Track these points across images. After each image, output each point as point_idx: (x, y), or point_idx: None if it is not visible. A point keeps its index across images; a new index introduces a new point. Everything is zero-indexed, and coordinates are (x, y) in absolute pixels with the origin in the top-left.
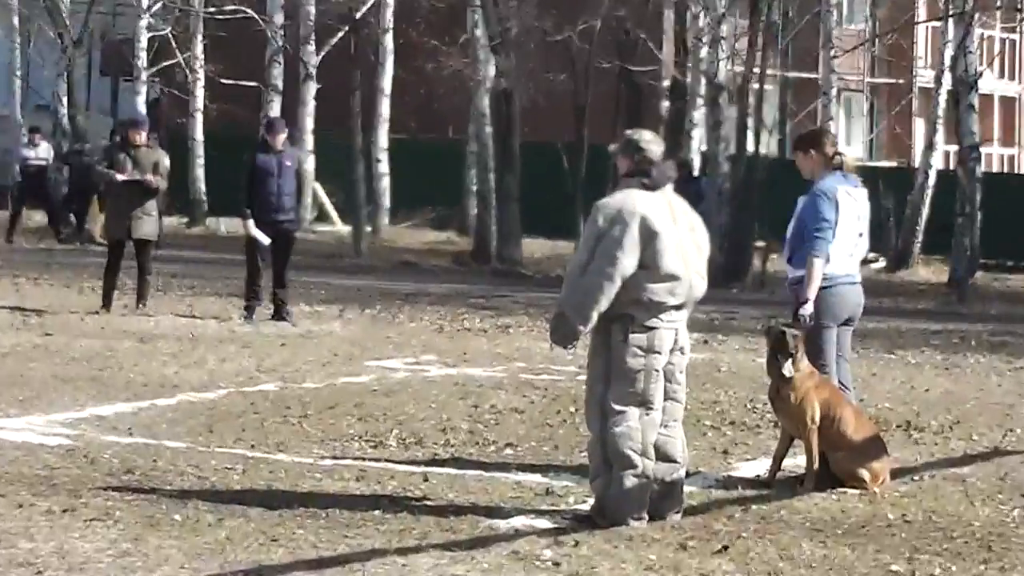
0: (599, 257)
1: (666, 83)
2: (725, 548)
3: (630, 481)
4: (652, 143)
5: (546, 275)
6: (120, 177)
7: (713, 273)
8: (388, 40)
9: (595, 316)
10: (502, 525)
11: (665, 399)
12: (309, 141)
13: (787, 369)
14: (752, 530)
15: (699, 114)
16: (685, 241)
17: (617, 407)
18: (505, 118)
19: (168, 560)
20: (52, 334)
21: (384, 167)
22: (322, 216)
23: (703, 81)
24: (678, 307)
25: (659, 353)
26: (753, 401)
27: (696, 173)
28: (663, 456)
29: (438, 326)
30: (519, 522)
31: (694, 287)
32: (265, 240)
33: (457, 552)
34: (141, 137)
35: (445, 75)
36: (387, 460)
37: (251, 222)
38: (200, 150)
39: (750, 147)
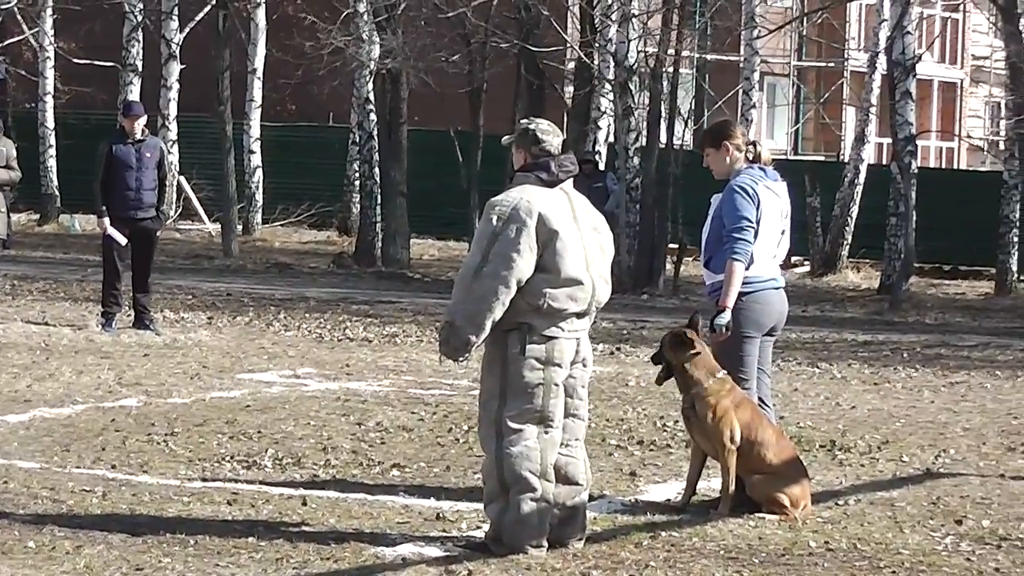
0: (493, 260)
1: (571, 66)
2: None
3: (528, 505)
4: (550, 134)
5: (436, 279)
6: None
7: (620, 277)
8: (260, 15)
9: (489, 325)
10: (388, 553)
11: (566, 416)
12: (173, 128)
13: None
14: (661, 558)
15: (607, 101)
16: (588, 242)
17: (514, 425)
18: (392, 103)
19: None
20: None
21: (257, 158)
22: (188, 213)
23: (611, 64)
24: (580, 315)
25: (559, 366)
26: (664, 419)
27: (603, 167)
28: (564, 479)
29: (317, 335)
30: (407, 550)
31: (597, 292)
32: (122, 240)
33: None
34: None
35: (325, 55)
36: (262, 482)
37: (107, 220)
38: (52, 138)
39: (663, 138)
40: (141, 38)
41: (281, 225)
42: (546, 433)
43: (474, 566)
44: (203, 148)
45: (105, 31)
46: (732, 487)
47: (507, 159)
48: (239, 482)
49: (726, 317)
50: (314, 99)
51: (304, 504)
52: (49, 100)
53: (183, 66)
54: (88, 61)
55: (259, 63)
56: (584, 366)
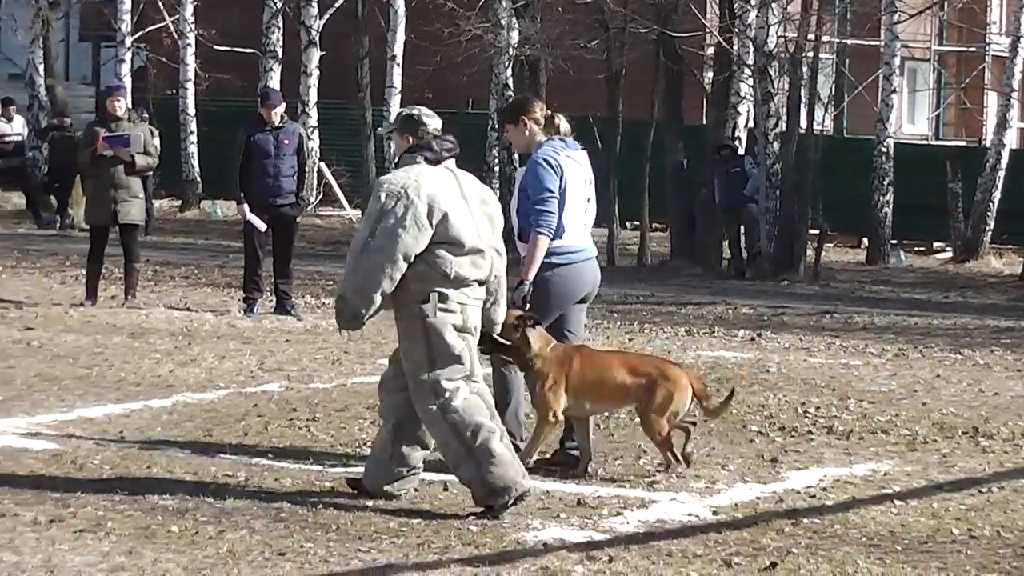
0: (380, 236)
1: (710, 51)
2: (773, 565)
3: (496, 444)
4: (431, 117)
5: None
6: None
7: (760, 264)
8: (399, 2)
9: (378, 298)
10: (529, 539)
11: None
12: (313, 115)
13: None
14: (803, 545)
15: (746, 86)
16: (477, 215)
17: (449, 385)
18: (530, 90)
19: (166, 574)
20: (34, 328)
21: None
22: (328, 199)
23: (751, 49)
24: (482, 282)
25: (471, 333)
26: (805, 405)
27: (742, 152)
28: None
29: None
30: (548, 535)
31: (494, 262)
32: (262, 226)
33: (481, 568)
34: (120, 107)
35: (463, 41)
36: None
37: (246, 206)
38: (192, 125)
39: (803, 124)
40: (281, 25)
41: None
42: (475, 384)
43: (615, 552)
44: (343, 134)
45: (245, 18)
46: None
47: (645, 144)
48: None
49: (525, 289)
50: (452, 85)
51: (446, 489)
52: (190, 87)
53: (322, 53)
54: (228, 48)
55: (398, 49)
56: (472, 334)
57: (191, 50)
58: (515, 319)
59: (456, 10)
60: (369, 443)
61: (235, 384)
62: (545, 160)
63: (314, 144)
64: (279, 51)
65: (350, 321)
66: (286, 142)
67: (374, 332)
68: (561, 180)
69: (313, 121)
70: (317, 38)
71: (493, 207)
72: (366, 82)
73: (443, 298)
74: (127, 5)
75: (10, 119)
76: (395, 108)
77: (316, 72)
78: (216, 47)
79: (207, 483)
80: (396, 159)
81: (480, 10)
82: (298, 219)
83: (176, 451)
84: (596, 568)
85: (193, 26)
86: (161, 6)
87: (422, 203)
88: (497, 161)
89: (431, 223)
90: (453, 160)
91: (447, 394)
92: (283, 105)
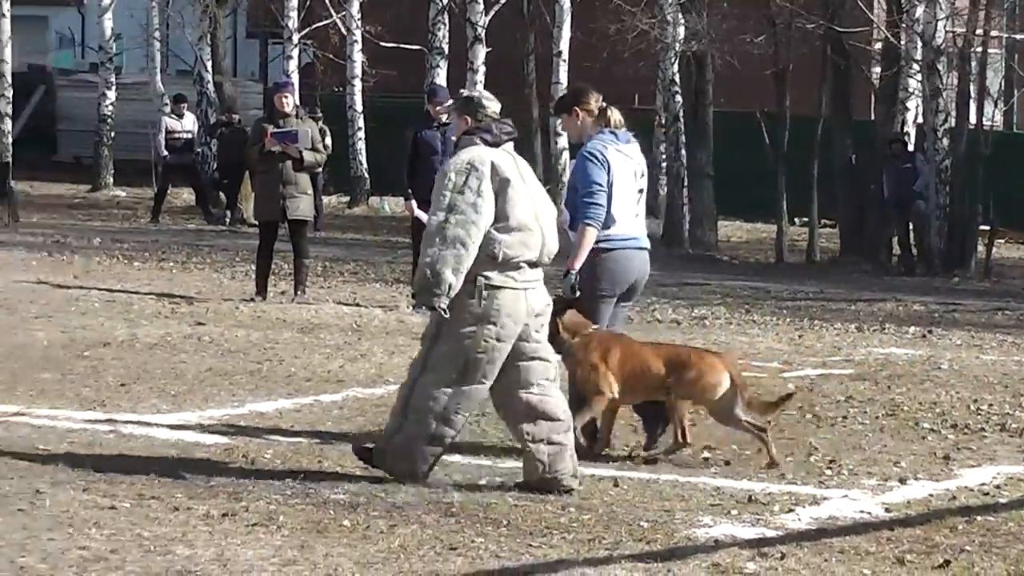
0: (457, 210)
1: (877, 46)
2: (947, 563)
3: (415, 441)
4: (490, 100)
5: (744, 261)
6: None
7: (930, 260)
8: None
9: (465, 268)
10: (700, 535)
11: (529, 359)
12: None
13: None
14: (977, 543)
15: (915, 82)
16: (536, 195)
17: (436, 364)
18: (697, 85)
19: (337, 569)
20: (205, 324)
21: (563, 140)
22: None
23: (919, 44)
24: (533, 264)
25: (493, 324)
26: (977, 402)
27: (911, 148)
28: (543, 415)
29: (625, 317)
30: (719, 531)
31: (547, 242)
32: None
33: (652, 564)
34: (288, 103)
35: (629, 37)
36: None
37: (413, 202)
38: (360, 121)
39: (972, 119)
40: (447, 21)
41: None
42: (464, 385)
43: (786, 548)
44: None
45: (411, 14)
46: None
47: (813, 140)
48: None
49: (572, 278)
50: (618, 81)
51: (616, 485)
52: (357, 83)
53: (488, 49)
54: (395, 44)
55: (564, 46)
56: (537, 316)
57: (358, 47)
58: (555, 300)
59: (622, 6)
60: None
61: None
62: (591, 154)
63: None
64: (445, 47)
65: (438, 296)
66: (452, 139)
67: None
68: (609, 173)
69: None
70: (483, 34)
71: (545, 197)
72: (532, 78)
73: (478, 283)
74: (294, 2)
75: (181, 116)
76: None
77: (482, 69)
78: (383, 43)
79: (378, 478)
80: (455, 141)
81: (646, 6)
82: None
83: (347, 445)
84: (768, 565)
85: (360, 22)
86: (328, 3)
87: (488, 172)
88: (664, 156)
89: (495, 193)
90: (511, 144)
91: (430, 372)
92: (450, 101)
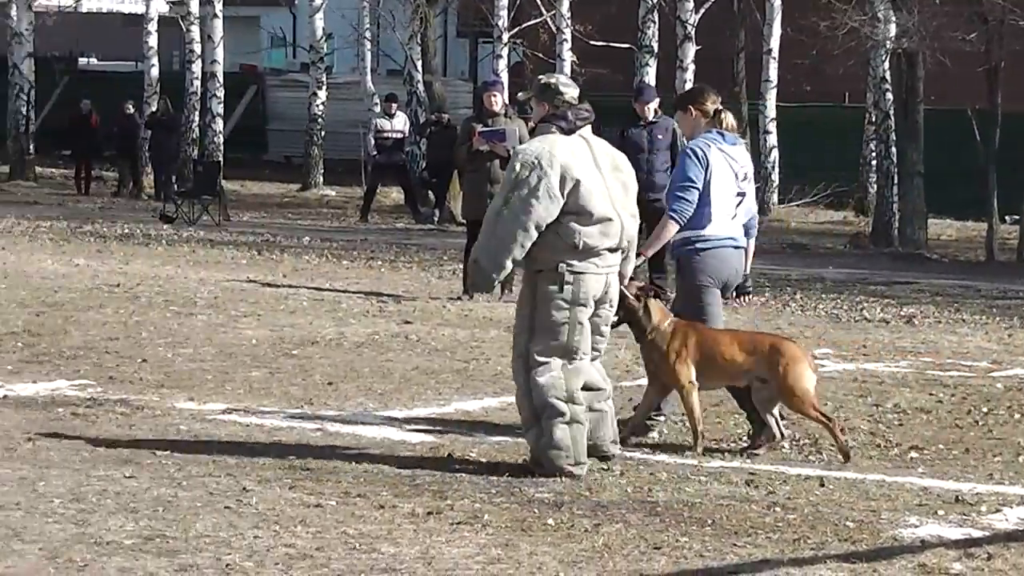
0: (514, 204)
1: None
2: None
3: (560, 430)
4: (569, 86)
5: (954, 259)
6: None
7: None
8: None
9: (509, 264)
10: (907, 535)
11: (587, 332)
12: None
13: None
14: None
15: None
16: (610, 182)
17: (540, 359)
18: (908, 83)
19: (541, 568)
20: (412, 322)
21: (773, 138)
22: None
23: None
24: (613, 249)
25: (584, 305)
26: None
27: None
28: (584, 386)
29: (833, 316)
30: (925, 532)
31: (626, 228)
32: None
33: (858, 564)
34: (497, 102)
35: (840, 35)
36: (780, 463)
37: None
38: None
39: None
40: (656, 19)
41: (797, 205)
42: (570, 364)
43: (994, 549)
44: None
45: (621, 12)
46: (698, 425)
47: None
48: (757, 462)
49: (639, 261)
50: (828, 79)
51: (822, 485)
52: None
53: (698, 47)
54: (604, 43)
55: (774, 43)
56: (610, 306)
57: (567, 45)
58: (638, 289)
59: (833, 3)
60: (744, 439)
61: (611, 378)
62: (692, 151)
63: None
64: (655, 46)
65: (479, 285)
66: (659, 137)
67: (750, 327)
68: (706, 172)
69: None
70: (693, 32)
71: (627, 174)
72: (742, 76)
73: (561, 270)
74: (504, 1)
75: (392, 115)
76: (771, 102)
77: (692, 66)
78: (592, 42)
79: (582, 476)
80: (533, 126)
81: (857, 3)
82: None
83: None
84: (974, 566)
85: (569, 21)
86: (539, 2)
87: (555, 174)
88: (875, 155)
89: (563, 193)
90: (589, 127)
91: (536, 367)
92: (656, 100)
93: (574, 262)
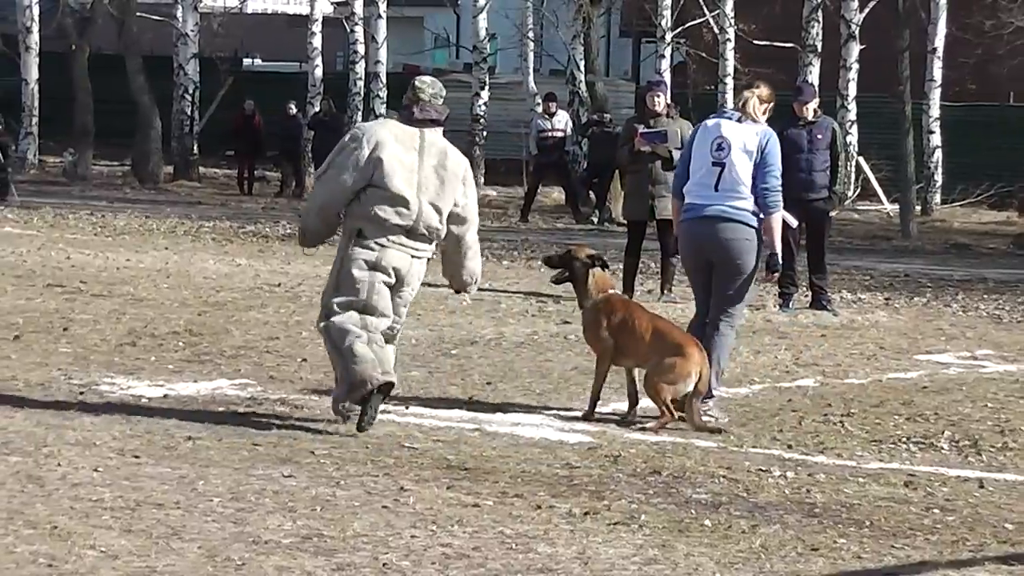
0: (331, 169)
1: None
2: None
3: (360, 345)
4: (427, 86)
5: None
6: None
7: None
8: None
9: (314, 219)
10: None
11: None
12: (852, 108)
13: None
14: None
15: None
16: (426, 172)
17: (339, 309)
18: None
19: (698, 569)
20: (571, 323)
21: (936, 138)
22: (866, 193)
23: None
24: (408, 231)
25: (384, 272)
26: None
27: None
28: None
29: (996, 316)
30: None
31: (424, 215)
32: (793, 222)
33: (1017, 566)
34: (659, 103)
35: (1005, 34)
36: (939, 464)
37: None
38: None
39: None
40: (821, 19)
41: (960, 205)
42: (368, 317)
43: None
44: (882, 128)
45: (785, 12)
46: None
47: None
48: (915, 464)
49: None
50: (994, 78)
51: (981, 487)
52: (729, 82)
53: (862, 46)
54: (767, 43)
55: (939, 42)
56: (411, 290)
57: (730, 45)
58: (586, 256)
59: (999, 2)
60: (904, 439)
61: (770, 379)
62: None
63: (852, 138)
64: (818, 45)
65: (301, 238)
66: (819, 137)
67: (911, 328)
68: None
69: (852, 115)
70: (857, 32)
71: (452, 172)
72: (906, 75)
73: (360, 234)
74: (668, 1)
75: (552, 115)
76: (935, 102)
77: (855, 66)
78: (755, 42)
79: (740, 478)
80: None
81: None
82: (832, 214)
83: (711, 444)
84: None
85: (733, 20)
86: (701, 2)
87: (367, 148)
88: None
89: (370, 167)
90: (438, 129)
91: (334, 314)
92: (816, 100)
93: (367, 229)
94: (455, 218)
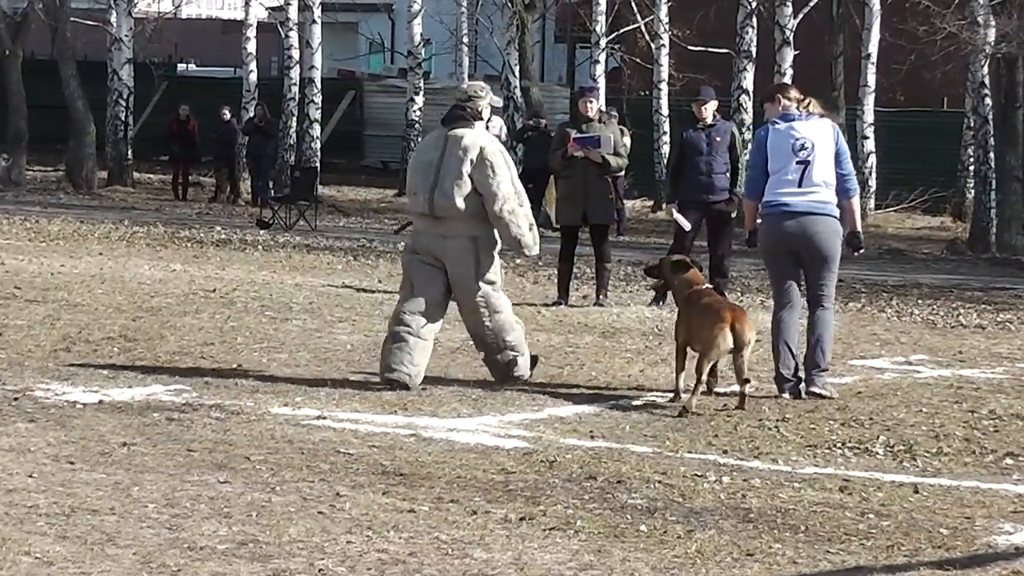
0: None
1: None
2: None
3: (385, 344)
4: (457, 92)
5: None
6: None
7: None
8: (875, 0)
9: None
10: (1001, 542)
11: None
12: None
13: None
14: None
15: None
16: (447, 167)
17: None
18: (1007, 88)
19: (634, 574)
20: None
21: (870, 144)
22: None
23: None
24: (425, 216)
25: (416, 253)
26: None
27: None
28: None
29: (930, 322)
30: (1020, 539)
31: (434, 203)
32: (686, 225)
33: (951, 571)
34: (591, 108)
35: (939, 40)
36: (874, 469)
37: (675, 205)
38: (666, 126)
39: None
40: (755, 24)
41: (894, 211)
42: (408, 301)
43: None
44: None
45: (719, 17)
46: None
47: None
48: (850, 469)
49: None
50: (927, 84)
51: (916, 492)
52: (663, 88)
53: (796, 52)
54: (702, 48)
55: (873, 48)
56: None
57: (665, 50)
58: (673, 261)
59: (932, 8)
60: (839, 444)
61: (704, 384)
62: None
63: None
64: (753, 51)
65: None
66: (718, 139)
67: (845, 333)
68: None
69: None
70: (791, 37)
71: (460, 157)
72: (840, 81)
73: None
74: (602, 7)
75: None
76: (869, 107)
77: (790, 71)
78: (690, 47)
79: (675, 483)
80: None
81: (957, 7)
82: (732, 215)
83: (645, 450)
84: None
85: (667, 26)
86: (635, 7)
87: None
88: (973, 160)
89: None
90: (468, 127)
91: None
92: (715, 103)
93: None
94: (477, 195)
